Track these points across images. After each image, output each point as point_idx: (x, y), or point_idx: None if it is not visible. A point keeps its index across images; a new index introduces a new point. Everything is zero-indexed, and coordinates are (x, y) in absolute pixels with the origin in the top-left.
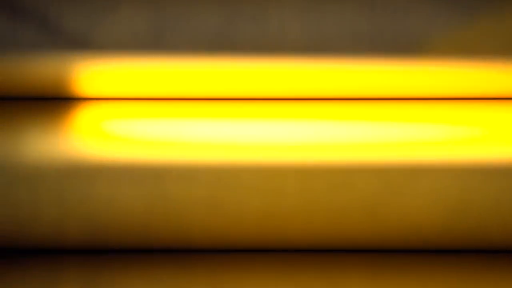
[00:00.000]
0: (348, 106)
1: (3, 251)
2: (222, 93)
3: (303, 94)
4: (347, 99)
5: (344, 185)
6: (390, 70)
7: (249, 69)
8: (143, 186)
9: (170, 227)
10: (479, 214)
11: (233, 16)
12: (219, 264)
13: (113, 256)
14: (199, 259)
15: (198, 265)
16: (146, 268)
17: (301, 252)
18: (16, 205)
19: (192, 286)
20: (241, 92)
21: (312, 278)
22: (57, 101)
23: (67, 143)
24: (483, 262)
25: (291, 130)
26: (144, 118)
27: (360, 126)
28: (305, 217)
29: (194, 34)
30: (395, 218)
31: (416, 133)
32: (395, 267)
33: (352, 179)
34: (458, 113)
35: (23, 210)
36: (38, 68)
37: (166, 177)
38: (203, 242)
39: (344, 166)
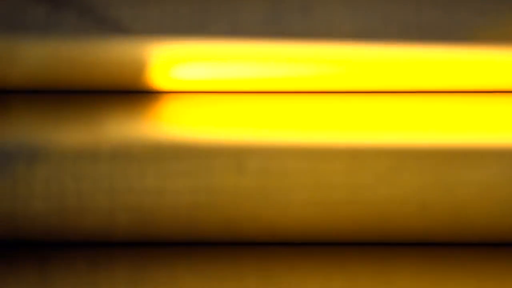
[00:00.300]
0: (395, 95)
1: (53, 244)
2: (267, 82)
3: (349, 82)
4: (393, 88)
5: (394, 174)
6: (437, 60)
7: (295, 57)
8: (191, 176)
9: (218, 218)
10: None
11: (280, 4)
12: (267, 256)
13: (161, 248)
14: (247, 250)
15: (246, 256)
16: (195, 259)
17: (350, 244)
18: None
19: (240, 277)
20: (287, 79)
21: (360, 270)
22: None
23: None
24: None
25: (338, 118)
26: (186, 105)
27: (408, 114)
28: (354, 207)
29: (240, 22)
30: (446, 209)
31: (467, 120)
32: (446, 260)
33: (402, 166)
34: (502, 103)
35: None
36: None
37: (214, 166)
38: (251, 233)
39: (394, 153)
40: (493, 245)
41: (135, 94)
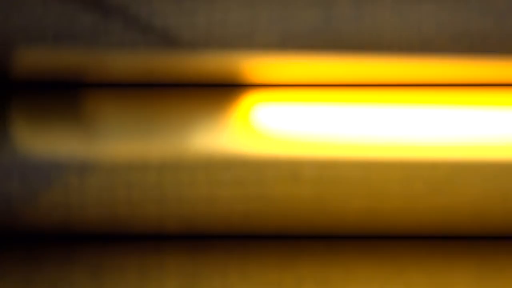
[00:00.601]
0: (450, 105)
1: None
2: (317, 90)
3: (401, 91)
4: (448, 99)
5: (448, 183)
6: (488, 69)
7: (345, 66)
8: (243, 184)
9: (272, 226)
10: None
11: (331, 13)
12: (323, 262)
13: (212, 255)
14: (302, 257)
15: (302, 263)
16: (248, 266)
17: (403, 240)
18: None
19: (297, 283)
20: (338, 88)
21: (417, 274)
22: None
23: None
24: None
25: (393, 127)
26: (237, 114)
27: (462, 124)
28: (408, 216)
29: (289, 30)
30: (500, 218)
31: None
32: (500, 254)
33: (456, 176)
34: None
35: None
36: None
37: (268, 175)
38: (306, 241)
39: (448, 163)
40: None
41: (186, 103)
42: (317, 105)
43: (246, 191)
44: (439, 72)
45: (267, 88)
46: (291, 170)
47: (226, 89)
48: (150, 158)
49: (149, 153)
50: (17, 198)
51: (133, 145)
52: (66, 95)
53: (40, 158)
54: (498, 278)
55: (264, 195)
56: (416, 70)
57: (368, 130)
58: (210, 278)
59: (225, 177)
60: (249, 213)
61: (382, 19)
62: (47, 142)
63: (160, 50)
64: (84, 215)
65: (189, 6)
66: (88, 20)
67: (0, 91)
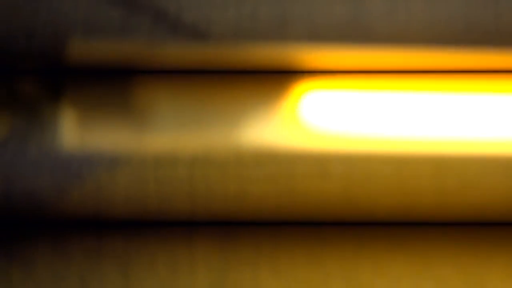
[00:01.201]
0: (480, 99)
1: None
2: (347, 84)
3: (432, 86)
4: (477, 93)
5: (480, 179)
6: None
7: (374, 59)
8: (273, 180)
9: (302, 218)
10: None
11: (360, 8)
12: (352, 258)
13: (243, 250)
14: (331, 253)
15: (330, 259)
16: (278, 262)
17: (433, 235)
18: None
19: (324, 279)
20: (368, 82)
21: (449, 271)
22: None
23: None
24: None
25: (424, 121)
26: (267, 110)
27: (494, 119)
28: (440, 212)
29: (317, 24)
30: None
31: None
32: None
33: (488, 172)
34: None
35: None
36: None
37: (297, 172)
38: (335, 237)
39: (479, 159)
40: None
41: (215, 100)
42: (346, 99)
43: (276, 187)
44: (470, 66)
45: (292, 81)
46: (320, 166)
47: (256, 84)
48: (181, 153)
49: (180, 148)
50: (47, 191)
51: (163, 140)
52: (97, 89)
53: (70, 152)
54: None
55: (293, 191)
56: (445, 64)
57: (398, 125)
58: (240, 272)
59: (254, 173)
60: (279, 209)
61: (412, 13)
62: (77, 137)
63: (189, 44)
64: (114, 210)
65: (219, 0)
66: (117, 15)
67: (29, 84)
